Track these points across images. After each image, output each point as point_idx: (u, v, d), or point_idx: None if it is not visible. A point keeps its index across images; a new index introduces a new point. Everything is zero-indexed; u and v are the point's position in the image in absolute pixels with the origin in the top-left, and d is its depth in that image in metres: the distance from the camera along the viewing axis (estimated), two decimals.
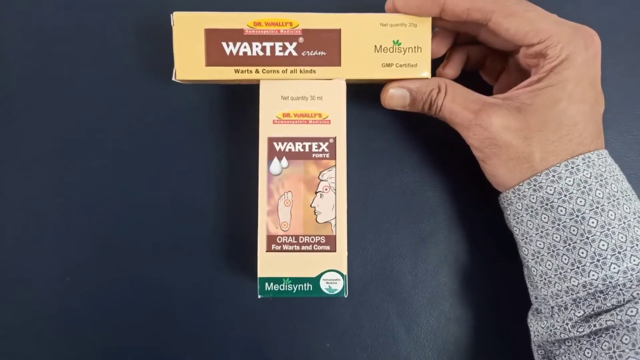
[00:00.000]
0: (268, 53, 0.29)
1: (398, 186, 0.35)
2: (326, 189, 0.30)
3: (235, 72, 0.29)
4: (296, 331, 0.34)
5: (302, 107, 0.30)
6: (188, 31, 0.29)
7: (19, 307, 0.34)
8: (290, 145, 0.30)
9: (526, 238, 0.29)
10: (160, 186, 0.34)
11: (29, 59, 0.35)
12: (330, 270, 0.29)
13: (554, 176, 0.27)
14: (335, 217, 0.30)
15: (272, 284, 0.29)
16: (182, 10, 0.29)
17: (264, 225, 0.30)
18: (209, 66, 0.29)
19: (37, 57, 0.35)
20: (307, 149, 0.30)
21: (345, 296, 0.29)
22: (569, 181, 0.27)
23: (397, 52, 0.29)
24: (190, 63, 0.29)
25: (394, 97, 0.30)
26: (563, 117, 0.27)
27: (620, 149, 0.35)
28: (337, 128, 0.30)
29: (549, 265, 0.28)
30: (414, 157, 0.35)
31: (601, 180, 0.27)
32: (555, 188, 0.27)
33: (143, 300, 0.34)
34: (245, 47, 0.29)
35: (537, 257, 0.28)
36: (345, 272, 0.29)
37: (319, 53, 0.29)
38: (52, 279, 0.34)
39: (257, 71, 0.29)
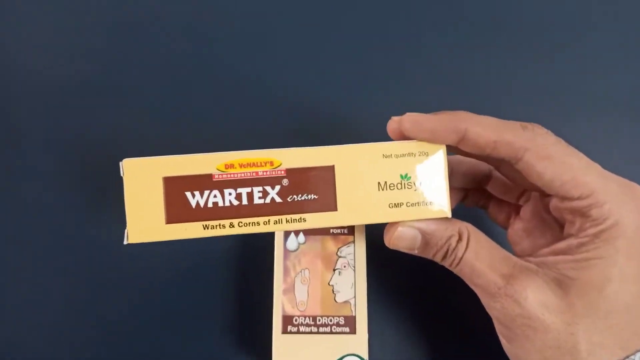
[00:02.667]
0: (245, 201, 0.24)
1: (422, 264, 0.33)
2: (345, 266, 0.29)
3: (204, 228, 0.24)
4: None
5: None
6: (142, 181, 0.23)
7: None
8: None
9: None
10: (170, 260, 0.33)
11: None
12: (351, 355, 0.27)
13: None
14: (355, 296, 0.28)
15: None
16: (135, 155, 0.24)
17: (280, 305, 0.28)
18: (170, 224, 0.23)
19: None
20: None
21: None
22: None
23: (406, 188, 0.24)
24: (146, 221, 0.23)
25: (402, 238, 0.24)
26: (614, 302, 0.22)
27: None
28: None
29: None
30: None
31: None
32: None
33: None
34: (215, 196, 0.24)
35: None
36: (366, 357, 0.27)
37: (309, 197, 0.24)
38: (52, 343, 0.32)
39: (231, 225, 0.24)
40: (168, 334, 0.32)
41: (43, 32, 0.38)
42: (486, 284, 0.23)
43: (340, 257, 0.29)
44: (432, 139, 0.24)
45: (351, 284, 0.28)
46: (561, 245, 0.23)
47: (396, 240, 0.25)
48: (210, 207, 0.23)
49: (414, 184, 0.24)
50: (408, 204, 0.24)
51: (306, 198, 0.24)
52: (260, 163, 0.24)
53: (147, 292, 0.33)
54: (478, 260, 0.24)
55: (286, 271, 0.29)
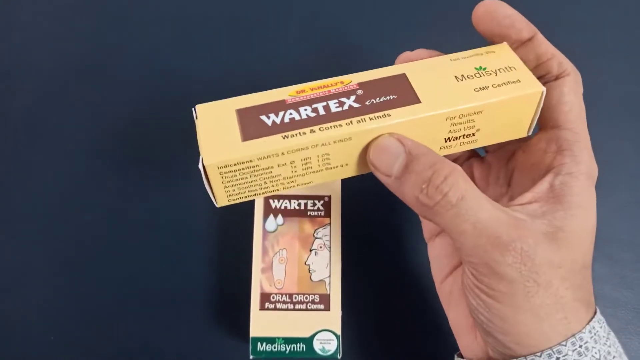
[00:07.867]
0: (322, 112, 0.23)
1: (393, 245, 0.35)
2: (321, 247, 0.30)
3: (284, 138, 0.22)
4: None
5: None
6: (216, 118, 0.23)
7: None
8: (286, 203, 0.30)
9: None
10: (151, 241, 0.34)
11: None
12: (324, 330, 0.29)
13: (595, 335, 0.21)
14: (330, 276, 0.30)
15: (264, 344, 0.29)
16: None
17: (258, 283, 0.29)
18: (247, 140, 0.22)
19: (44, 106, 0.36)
20: (302, 207, 0.30)
21: (339, 357, 0.29)
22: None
23: (485, 75, 0.24)
24: (221, 143, 0.22)
25: (384, 151, 0.22)
26: (588, 254, 0.22)
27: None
28: (332, 187, 0.31)
29: None
30: (411, 215, 0.35)
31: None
32: (599, 350, 0.21)
33: None
34: (291, 113, 0.23)
35: None
36: (339, 332, 0.29)
37: (388, 97, 0.23)
38: (36, 336, 0.33)
39: (312, 131, 0.22)
40: (147, 309, 0.34)
41: None
42: (497, 228, 0.21)
43: (316, 238, 0.30)
44: (503, 29, 0.24)
45: (326, 264, 0.30)
46: (540, 189, 0.23)
47: (376, 154, 0.22)
48: (287, 122, 0.22)
49: (493, 71, 0.24)
50: (494, 85, 0.23)
51: (385, 99, 0.23)
52: (331, 84, 0.24)
53: (128, 269, 0.34)
54: (484, 199, 0.21)
55: (265, 251, 0.30)
